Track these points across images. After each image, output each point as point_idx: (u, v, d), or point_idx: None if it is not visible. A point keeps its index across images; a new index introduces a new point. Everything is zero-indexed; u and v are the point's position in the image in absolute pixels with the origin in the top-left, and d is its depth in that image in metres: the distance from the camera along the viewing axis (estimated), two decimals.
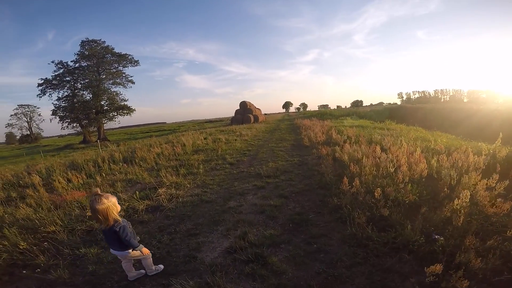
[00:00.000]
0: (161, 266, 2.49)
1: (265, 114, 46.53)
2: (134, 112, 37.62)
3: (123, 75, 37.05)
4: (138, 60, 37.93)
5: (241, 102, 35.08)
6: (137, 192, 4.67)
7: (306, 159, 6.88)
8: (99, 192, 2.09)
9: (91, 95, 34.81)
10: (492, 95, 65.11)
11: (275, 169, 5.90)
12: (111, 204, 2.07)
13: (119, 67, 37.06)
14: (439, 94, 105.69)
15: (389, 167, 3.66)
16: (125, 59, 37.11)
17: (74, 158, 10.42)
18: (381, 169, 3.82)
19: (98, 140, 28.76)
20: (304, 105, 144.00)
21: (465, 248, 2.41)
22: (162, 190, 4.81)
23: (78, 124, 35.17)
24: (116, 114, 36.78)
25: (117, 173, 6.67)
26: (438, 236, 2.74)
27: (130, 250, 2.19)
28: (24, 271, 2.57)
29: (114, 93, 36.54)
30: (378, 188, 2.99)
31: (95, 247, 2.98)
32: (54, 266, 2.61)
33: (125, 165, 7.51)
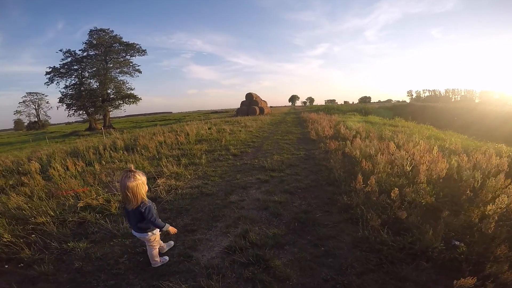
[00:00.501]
0: (166, 258, 2.38)
1: (271, 107, 45.93)
2: (140, 101, 37.94)
3: (130, 64, 37.18)
4: (145, 50, 37.79)
5: (247, 94, 34.57)
6: None
7: (313, 153, 6.57)
8: (133, 168, 2.01)
9: (98, 84, 35.18)
10: (505, 96, 62.86)
11: (280, 162, 5.62)
12: (141, 182, 2.01)
13: (127, 56, 37.18)
14: (450, 93, 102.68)
15: (406, 166, 3.33)
16: (133, 49, 37.05)
17: (76, 145, 10.32)
18: (396, 167, 3.49)
19: (103, 128, 29.04)
20: (311, 99, 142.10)
21: (495, 257, 2.14)
22: (161, 180, 4.59)
23: (84, 112, 35.60)
24: (122, 102, 37.15)
25: (117, 161, 6.48)
26: (459, 243, 2.46)
27: (150, 233, 2.15)
28: (6, 266, 2.38)
29: (121, 82, 36.80)
30: (396, 188, 2.68)
31: (84, 241, 2.77)
32: (39, 260, 2.41)
33: (125, 153, 7.33)
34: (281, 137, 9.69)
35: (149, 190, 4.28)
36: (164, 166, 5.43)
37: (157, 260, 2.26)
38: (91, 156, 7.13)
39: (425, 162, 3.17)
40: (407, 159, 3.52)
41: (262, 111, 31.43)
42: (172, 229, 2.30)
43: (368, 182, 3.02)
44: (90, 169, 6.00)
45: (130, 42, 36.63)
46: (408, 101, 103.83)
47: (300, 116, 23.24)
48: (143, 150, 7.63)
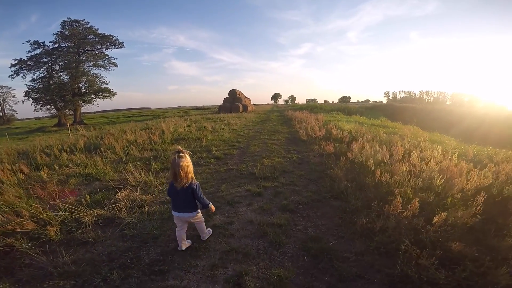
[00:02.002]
0: (210, 230, 2.59)
1: (254, 104, 45.06)
2: (115, 95, 35.96)
3: (106, 57, 35.14)
4: (122, 42, 35.71)
5: (230, 90, 33.38)
6: (88, 196, 3.42)
7: (307, 156, 5.86)
8: (181, 149, 2.10)
9: (68, 77, 32.64)
10: (474, 99, 67.70)
11: (272, 168, 4.83)
12: (190, 161, 2.13)
13: (102, 49, 35.04)
14: (424, 95, 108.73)
15: (437, 179, 2.68)
16: (109, 41, 34.97)
17: (34, 144, 8.74)
18: (420, 179, 2.84)
19: (72, 124, 26.50)
20: (292, 98, 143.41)
21: None
22: (123, 193, 3.58)
23: (53, 107, 32.78)
24: (95, 97, 34.99)
25: (72, 165, 5.29)
26: None
27: (196, 212, 2.26)
28: None
29: (94, 76, 34.68)
30: (443, 213, 1.99)
31: (7, 280, 1.94)
32: None
33: (87, 154, 6.12)
34: (268, 137, 8.91)
35: (106, 206, 3.30)
36: (130, 172, 4.39)
37: (206, 232, 2.47)
38: (42, 158, 5.84)
39: (463, 174, 2.53)
40: (436, 170, 2.86)
41: (245, 108, 30.49)
42: (213, 208, 2.41)
43: (409, 206, 2.29)
44: (36, 175, 4.81)
45: (106, 34, 34.41)
46: (385, 101, 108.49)
47: (284, 114, 22.71)
48: (108, 151, 6.45)
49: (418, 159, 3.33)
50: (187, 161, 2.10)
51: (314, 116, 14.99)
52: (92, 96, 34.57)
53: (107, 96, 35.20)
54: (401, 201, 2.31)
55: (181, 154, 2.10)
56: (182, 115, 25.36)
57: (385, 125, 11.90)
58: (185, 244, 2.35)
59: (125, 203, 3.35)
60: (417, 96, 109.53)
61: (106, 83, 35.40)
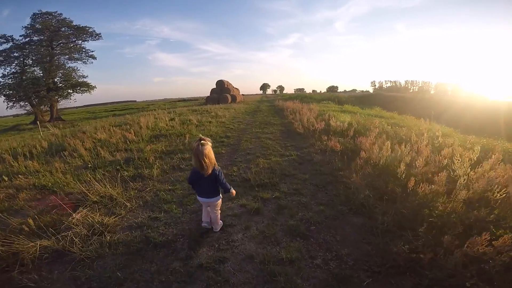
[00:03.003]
0: (221, 222, 2.56)
1: (243, 94, 43.81)
2: (95, 89, 34.68)
3: (83, 50, 33.36)
4: (100, 33, 34.10)
5: (218, 81, 31.94)
6: (31, 221, 2.53)
7: (307, 153, 5.14)
8: (202, 136, 2.13)
9: (42, 72, 31.07)
10: (457, 88, 69.52)
11: (269, 171, 4.07)
12: (211, 148, 2.19)
13: (77, 41, 33.24)
14: (409, 84, 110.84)
15: (494, 190, 2.01)
16: (85, 32, 33.19)
17: None
18: (470, 189, 2.17)
19: (49, 121, 24.84)
20: (281, 88, 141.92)
21: None
22: (80, 214, 2.71)
23: (27, 103, 31.09)
24: (72, 91, 33.49)
25: (21, 177, 4.29)
26: None
27: (219, 197, 2.33)
28: None
29: (71, 69, 33.01)
30: None
31: None
32: None
33: (40, 161, 5.10)
34: (260, 130, 8.11)
35: (54, 234, 2.45)
36: (95, 182, 3.49)
37: (219, 223, 2.47)
38: None
39: None
40: (492, 179, 2.19)
41: (234, 99, 29.33)
42: (234, 191, 2.44)
43: (495, 242, 1.59)
44: None
45: (81, 26, 32.50)
46: (371, 91, 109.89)
47: (274, 105, 21.89)
48: (74, 154, 5.45)
49: (461, 163, 2.66)
50: (209, 148, 2.13)
51: (306, 106, 14.28)
52: (69, 90, 33.09)
53: (86, 90, 33.86)
54: (487, 237, 1.60)
55: (203, 142, 2.10)
56: (167, 107, 23.99)
57: (382, 115, 11.39)
58: (209, 222, 2.46)
59: (82, 228, 2.50)
60: (402, 86, 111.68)
61: (84, 77, 34.01)
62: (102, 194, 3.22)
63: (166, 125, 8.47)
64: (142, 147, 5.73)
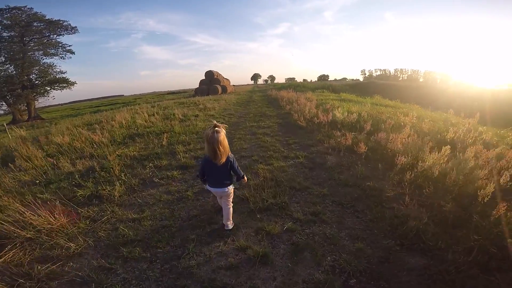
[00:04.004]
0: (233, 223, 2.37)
1: (234, 85, 42.14)
2: (75, 85, 32.96)
3: (59, 44, 31.50)
4: (75, 27, 32.22)
5: (207, 72, 30.14)
6: None
7: (316, 153, 4.11)
8: (217, 123, 1.95)
9: (15, 69, 29.28)
10: (445, 77, 70.06)
11: (274, 184, 3.01)
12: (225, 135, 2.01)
13: (52, 36, 31.35)
14: (398, 72, 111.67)
15: None
16: (59, 26, 31.15)
17: None
18: None
19: (28, 120, 23.57)
20: (272, 77, 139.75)
21: None
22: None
23: (3, 102, 29.36)
24: (50, 88, 31.84)
25: None
26: None
27: (231, 186, 2.18)
28: None
29: (47, 65, 31.30)
30: None
31: None
32: None
33: None
34: (256, 124, 6.98)
35: None
36: (37, 207, 2.33)
37: (231, 221, 2.28)
38: None
39: None
40: None
41: (224, 89, 27.81)
42: (245, 178, 2.30)
43: None
44: None
45: (54, 19, 30.52)
46: (361, 79, 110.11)
47: (267, 94, 20.72)
48: (28, 163, 4.22)
49: None
50: (223, 135, 1.95)
51: (303, 96, 13.17)
52: (46, 87, 31.43)
53: (65, 87, 32.32)
54: None
55: (217, 129, 1.92)
56: (154, 100, 22.38)
57: (387, 104, 10.44)
58: (231, 223, 2.28)
59: None
60: (392, 74, 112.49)
61: (62, 73, 32.34)
62: (39, 228, 2.10)
63: (145, 122, 7.18)
64: (111, 152, 4.52)
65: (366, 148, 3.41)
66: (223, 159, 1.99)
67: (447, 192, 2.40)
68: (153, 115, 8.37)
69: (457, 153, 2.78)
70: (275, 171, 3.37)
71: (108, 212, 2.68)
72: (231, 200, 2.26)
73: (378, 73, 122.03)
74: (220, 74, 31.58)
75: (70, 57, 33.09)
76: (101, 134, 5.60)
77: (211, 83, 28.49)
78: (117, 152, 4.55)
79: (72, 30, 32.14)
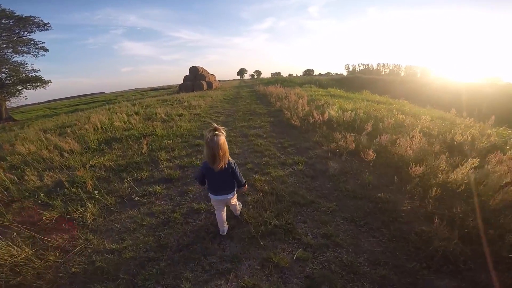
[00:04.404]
0: (240, 203, 2.43)
1: (220, 80, 41.11)
2: (50, 84, 31.21)
3: (31, 42, 29.66)
4: (48, 23, 30.30)
5: (191, 67, 28.96)
6: None
7: (316, 157, 3.77)
8: (216, 125, 1.86)
9: None
10: (425, 71, 72.54)
11: (274, 199, 2.62)
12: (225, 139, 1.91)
13: (23, 33, 29.48)
14: (380, 67, 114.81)
15: None
16: (30, 23, 29.27)
17: None
18: None
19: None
20: (258, 72, 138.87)
21: None
22: None
23: None
24: (21, 88, 30.15)
25: None
26: None
27: (234, 192, 2.10)
28: None
29: (17, 64, 29.49)
30: None
31: None
32: None
33: None
34: (246, 124, 6.53)
35: None
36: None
37: (239, 207, 2.30)
38: None
39: None
40: None
41: (210, 85, 26.94)
42: (246, 187, 2.21)
43: None
44: None
45: (24, 16, 28.61)
46: (345, 73, 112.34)
47: (255, 90, 20.22)
48: None
49: None
50: (223, 139, 1.85)
51: (293, 92, 12.83)
52: (17, 87, 29.59)
53: (39, 86, 30.58)
54: None
55: (217, 132, 1.82)
56: (135, 98, 21.22)
57: (377, 100, 10.33)
58: (226, 227, 2.16)
59: None
60: (374, 69, 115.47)
61: (35, 71, 30.47)
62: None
63: (124, 123, 6.51)
64: (83, 162, 3.92)
65: (375, 155, 3.07)
66: (222, 164, 1.87)
67: (475, 207, 2.12)
68: (133, 115, 7.68)
69: (485, 165, 2.50)
70: (274, 183, 2.98)
71: (81, 240, 2.20)
72: (236, 201, 2.22)
73: (362, 67, 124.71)
74: (205, 70, 30.59)
75: (44, 55, 31.41)
76: (73, 140, 4.93)
77: (196, 79, 27.51)
78: (90, 162, 3.97)
79: (45, 26, 30.31)
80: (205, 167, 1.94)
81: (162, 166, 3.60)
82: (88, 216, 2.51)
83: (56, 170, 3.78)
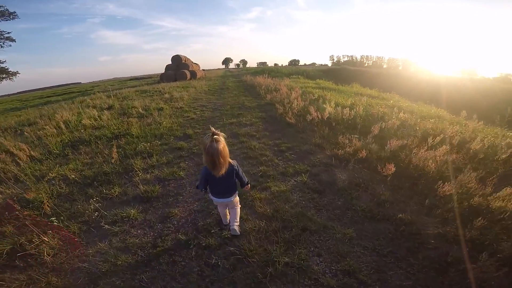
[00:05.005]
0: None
1: (204, 70, 39.41)
2: (18, 75, 30.40)
3: None
4: (14, 12, 28.76)
5: (174, 56, 27.24)
6: None
7: (319, 165, 3.30)
8: (215, 130, 1.75)
9: None
10: (407, 63, 74.47)
11: (281, 226, 2.15)
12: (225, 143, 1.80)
13: None
14: (364, 59, 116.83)
15: None
16: None
17: None
18: None
19: None
20: (244, 62, 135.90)
21: None
22: None
23: None
24: None
25: None
26: None
27: (236, 194, 2.02)
28: None
29: None
30: None
31: None
32: None
33: None
34: (235, 120, 5.91)
35: None
36: None
37: (238, 223, 2.08)
38: None
39: None
40: None
41: (194, 75, 25.58)
42: (249, 186, 2.13)
43: None
44: None
45: None
46: (329, 64, 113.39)
47: (242, 80, 19.40)
48: None
49: None
50: (223, 143, 1.75)
51: (282, 83, 12.24)
52: None
53: (4, 78, 29.65)
54: None
55: (216, 137, 1.71)
56: (113, 88, 19.60)
57: (369, 94, 10.03)
58: (228, 218, 2.16)
59: None
60: (358, 60, 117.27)
61: (1, 62, 29.12)
62: None
63: (95, 120, 5.64)
64: (42, 173, 3.17)
65: (394, 169, 2.60)
66: (223, 170, 1.78)
67: None
68: (107, 109, 6.78)
69: None
70: (276, 202, 2.46)
71: (42, 284, 1.60)
72: (238, 203, 2.12)
73: (346, 59, 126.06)
74: (188, 59, 29.02)
75: (10, 45, 29.81)
76: (31, 144, 4.10)
77: (179, 68, 26.02)
78: (51, 173, 3.23)
79: (11, 16, 28.72)
80: (207, 173, 1.81)
81: (137, 178, 2.95)
82: (45, 252, 1.89)
83: (10, 183, 3.02)
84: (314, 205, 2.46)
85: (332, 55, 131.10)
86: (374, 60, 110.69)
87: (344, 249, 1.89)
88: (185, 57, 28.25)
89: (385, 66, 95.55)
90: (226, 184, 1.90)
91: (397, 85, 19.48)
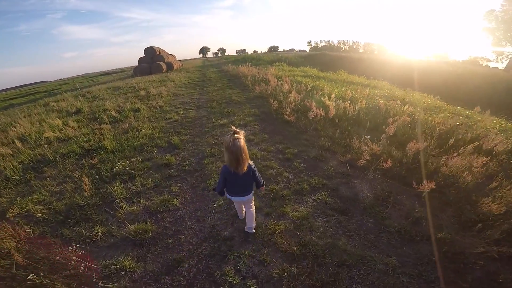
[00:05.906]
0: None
1: (180, 60, 37.24)
2: None
3: None
4: None
5: (147, 48, 25.20)
6: None
7: (335, 177, 2.92)
8: (235, 128, 1.76)
9: None
10: (382, 48, 76.28)
11: (312, 264, 1.78)
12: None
13: None
14: (341, 44, 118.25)
15: None
16: None
17: None
18: None
19: None
20: (222, 50, 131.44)
21: None
22: None
23: None
24: None
25: None
26: None
27: (253, 192, 2.03)
28: None
29: None
30: None
31: None
32: None
33: None
34: (226, 120, 5.34)
35: None
36: None
37: (254, 223, 2.10)
38: None
39: None
40: None
41: (170, 66, 23.99)
42: (264, 187, 2.09)
43: None
44: None
45: None
46: (307, 50, 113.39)
47: (223, 70, 18.47)
48: None
49: None
50: (244, 141, 1.75)
51: (268, 72, 11.64)
52: None
53: None
54: None
55: (237, 135, 1.72)
56: (82, 86, 17.77)
57: (358, 81, 9.78)
58: (244, 212, 2.25)
59: None
60: (335, 45, 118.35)
61: None
62: None
63: (60, 131, 4.78)
64: (1, 209, 2.47)
65: (434, 184, 2.22)
66: (246, 168, 1.79)
67: None
68: (75, 113, 5.88)
69: None
70: (300, 233, 2.04)
71: None
72: (253, 203, 2.12)
73: (323, 44, 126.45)
74: (163, 50, 27.18)
75: None
76: None
77: (153, 60, 24.26)
78: (11, 209, 2.54)
79: None
80: (227, 172, 1.83)
81: (122, 213, 2.37)
82: None
83: None
84: (344, 231, 2.08)
85: (310, 41, 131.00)
86: (351, 45, 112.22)
87: (390, 281, 1.63)
88: (159, 48, 26.38)
89: (361, 50, 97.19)
90: (243, 183, 1.91)
91: (380, 71, 19.63)
